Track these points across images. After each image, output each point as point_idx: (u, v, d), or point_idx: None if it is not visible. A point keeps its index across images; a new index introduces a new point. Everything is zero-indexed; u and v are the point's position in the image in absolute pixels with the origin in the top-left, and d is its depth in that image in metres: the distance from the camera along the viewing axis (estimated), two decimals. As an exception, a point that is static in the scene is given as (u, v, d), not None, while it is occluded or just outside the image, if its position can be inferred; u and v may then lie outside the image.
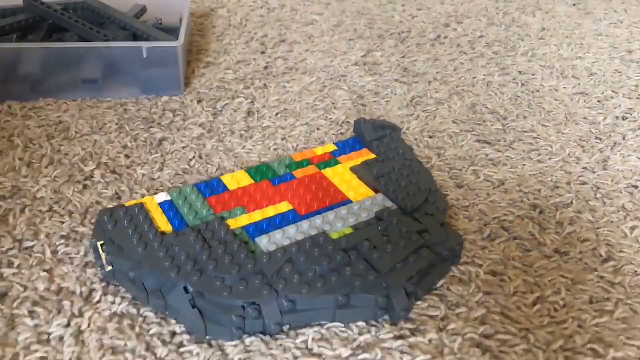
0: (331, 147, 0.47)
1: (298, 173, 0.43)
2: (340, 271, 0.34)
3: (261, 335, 0.34)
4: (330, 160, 0.45)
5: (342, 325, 0.34)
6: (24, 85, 0.55)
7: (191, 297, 0.33)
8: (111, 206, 0.41)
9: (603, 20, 0.77)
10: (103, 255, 0.36)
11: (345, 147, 0.47)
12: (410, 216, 0.39)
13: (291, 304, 0.33)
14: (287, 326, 0.34)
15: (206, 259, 0.34)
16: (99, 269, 0.37)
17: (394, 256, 0.35)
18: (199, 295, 0.33)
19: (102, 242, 0.36)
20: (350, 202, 0.41)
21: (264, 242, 0.36)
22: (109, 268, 0.36)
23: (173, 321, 0.34)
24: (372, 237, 0.37)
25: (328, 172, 0.44)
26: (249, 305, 0.33)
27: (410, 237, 0.37)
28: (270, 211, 0.39)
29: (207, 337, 0.33)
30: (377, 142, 0.47)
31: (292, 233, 0.37)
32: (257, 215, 0.39)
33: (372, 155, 0.46)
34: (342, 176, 0.43)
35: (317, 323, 0.34)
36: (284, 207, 0.40)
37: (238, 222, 0.38)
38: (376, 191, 0.42)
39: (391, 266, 0.35)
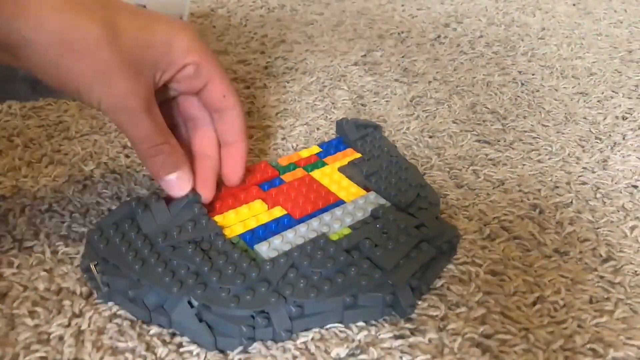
0: (316, 149, 0.47)
1: (287, 177, 0.43)
2: (345, 272, 0.34)
3: (261, 335, 0.34)
4: (317, 162, 0.45)
5: (342, 325, 0.34)
6: (24, 85, 0.55)
7: (197, 311, 0.33)
8: (99, 220, 0.40)
9: (603, 20, 0.77)
10: (98, 277, 0.35)
11: (329, 148, 0.47)
12: (405, 212, 0.39)
13: (300, 309, 0.33)
14: (297, 333, 0.34)
15: (208, 270, 0.34)
16: (94, 291, 0.36)
17: (397, 253, 0.36)
18: (205, 308, 0.33)
19: (95, 262, 0.35)
20: (343, 202, 0.41)
21: (264, 249, 0.36)
22: (106, 289, 0.35)
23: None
24: (372, 235, 0.37)
25: (316, 174, 0.43)
26: (258, 314, 0.32)
27: (409, 233, 0.37)
28: (264, 217, 0.39)
29: (217, 349, 0.33)
30: (360, 141, 0.47)
31: (291, 238, 0.37)
32: (251, 223, 0.38)
33: (357, 155, 0.46)
34: (331, 177, 0.43)
35: (317, 323, 0.34)
36: (277, 212, 0.40)
37: (233, 230, 0.38)
38: (367, 190, 0.42)
39: (395, 263, 0.35)
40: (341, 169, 0.44)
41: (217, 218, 0.38)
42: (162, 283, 0.34)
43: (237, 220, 0.39)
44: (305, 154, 0.46)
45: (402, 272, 0.35)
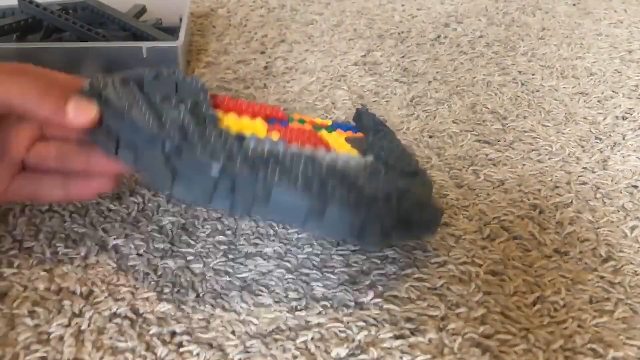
0: (328, 122, 0.46)
1: (294, 125, 0.42)
2: (322, 181, 0.33)
3: (261, 337, 0.34)
4: (327, 127, 0.44)
5: (342, 325, 0.34)
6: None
7: (167, 156, 0.32)
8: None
9: (603, 20, 0.77)
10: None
11: (341, 126, 0.46)
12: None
13: (266, 191, 0.32)
14: (255, 216, 0.33)
15: (193, 128, 0.33)
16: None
17: (379, 185, 0.34)
18: (176, 154, 0.32)
19: (87, 87, 0.35)
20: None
21: (253, 142, 0.35)
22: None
23: (173, 321, 0.34)
24: (367, 163, 0.36)
25: (323, 133, 0.42)
26: (224, 177, 0.31)
27: (397, 180, 0.36)
28: (261, 133, 0.38)
29: (172, 192, 0.32)
30: (373, 132, 0.46)
31: (282, 145, 0.35)
32: (247, 133, 0.37)
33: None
34: (336, 140, 0.42)
35: (316, 323, 0.34)
36: (274, 136, 0.38)
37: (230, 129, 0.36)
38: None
39: (374, 191, 0.34)
40: (347, 139, 0.43)
41: (218, 112, 0.37)
42: (144, 120, 0.33)
43: (235, 124, 0.38)
44: (318, 120, 0.45)
45: (377, 205, 0.33)
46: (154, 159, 0.32)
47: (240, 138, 0.35)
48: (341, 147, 0.41)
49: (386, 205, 0.34)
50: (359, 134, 0.45)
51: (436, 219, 0.38)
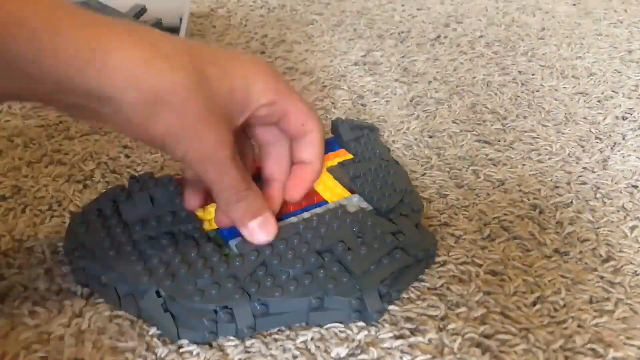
0: None
1: None
2: (313, 274, 0.34)
3: (261, 337, 0.34)
4: None
5: (342, 325, 0.34)
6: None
7: (163, 302, 0.33)
8: (84, 204, 0.40)
9: (603, 20, 0.77)
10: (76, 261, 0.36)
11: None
12: (385, 217, 0.39)
13: (264, 307, 0.33)
14: (261, 330, 0.34)
15: (179, 262, 0.34)
16: (71, 273, 0.36)
17: (368, 258, 0.35)
18: (171, 299, 0.33)
19: (73, 247, 0.36)
20: (326, 203, 0.40)
21: (238, 245, 0.36)
22: (81, 273, 0.35)
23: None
24: (347, 238, 0.36)
25: None
26: (222, 309, 0.33)
27: (385, 239, 0.37)
28: None
29: (180, 340, 0.33)
30: (354, 142, 0.47)
31: None
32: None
33: (349, 156, 0.45)
34: (320, 179, 0.43)
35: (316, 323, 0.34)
36: None
37: (212, 224, 0.38)
38: (352, 192, 0.41)
39: (365, 268, 0.35)
40: (330, 169, 0.44)
41: (198, 211, 0.39)
42: (132, 271, 0.34)
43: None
44: None
45: (371, 277, 0.35)
46: (154, 308, 0.33)
47: (224, 252, 0.36)
48: (326, 188, 0.42)
49: (378, 270, 0.35)
50: (341, 152, 0.46)
51: (431, 254, 0.39)
